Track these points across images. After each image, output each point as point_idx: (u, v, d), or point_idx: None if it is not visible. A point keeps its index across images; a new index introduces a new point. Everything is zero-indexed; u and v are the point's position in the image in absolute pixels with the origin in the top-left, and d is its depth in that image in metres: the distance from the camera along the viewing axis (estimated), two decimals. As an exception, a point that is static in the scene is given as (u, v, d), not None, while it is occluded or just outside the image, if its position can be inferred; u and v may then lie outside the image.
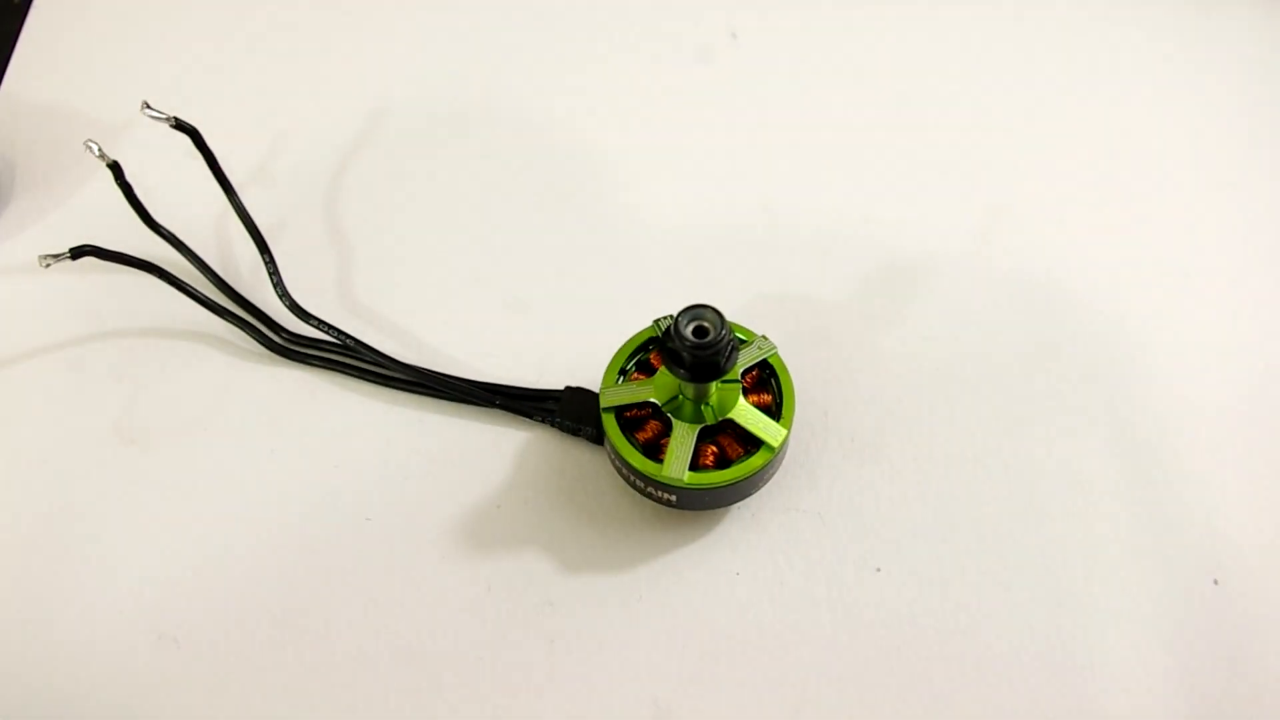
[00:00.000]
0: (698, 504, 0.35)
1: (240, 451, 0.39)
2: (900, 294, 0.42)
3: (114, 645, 0.34)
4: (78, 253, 0.38)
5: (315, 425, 0.39)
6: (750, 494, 0.35)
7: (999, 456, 0.38)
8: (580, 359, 0.40)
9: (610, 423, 0.35)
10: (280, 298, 0.41)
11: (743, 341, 0.36)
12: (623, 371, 0.36)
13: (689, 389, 0.34)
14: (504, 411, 0.39)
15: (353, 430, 0.39)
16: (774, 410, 0.35)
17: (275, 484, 0.38)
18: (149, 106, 0.38)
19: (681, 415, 0.34)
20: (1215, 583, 0.34)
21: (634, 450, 0.34)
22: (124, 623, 0.35)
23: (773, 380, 0.36)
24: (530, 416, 0.38)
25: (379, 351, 0.40)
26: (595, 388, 0.38)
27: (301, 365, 0.41)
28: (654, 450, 0.35)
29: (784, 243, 0.44)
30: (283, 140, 0.48)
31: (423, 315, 0.42)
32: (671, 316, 0.35)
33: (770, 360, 0.36)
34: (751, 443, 0.34)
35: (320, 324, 0.40)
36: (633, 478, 0.35)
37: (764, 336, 0.36)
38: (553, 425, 0.38)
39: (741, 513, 0.37)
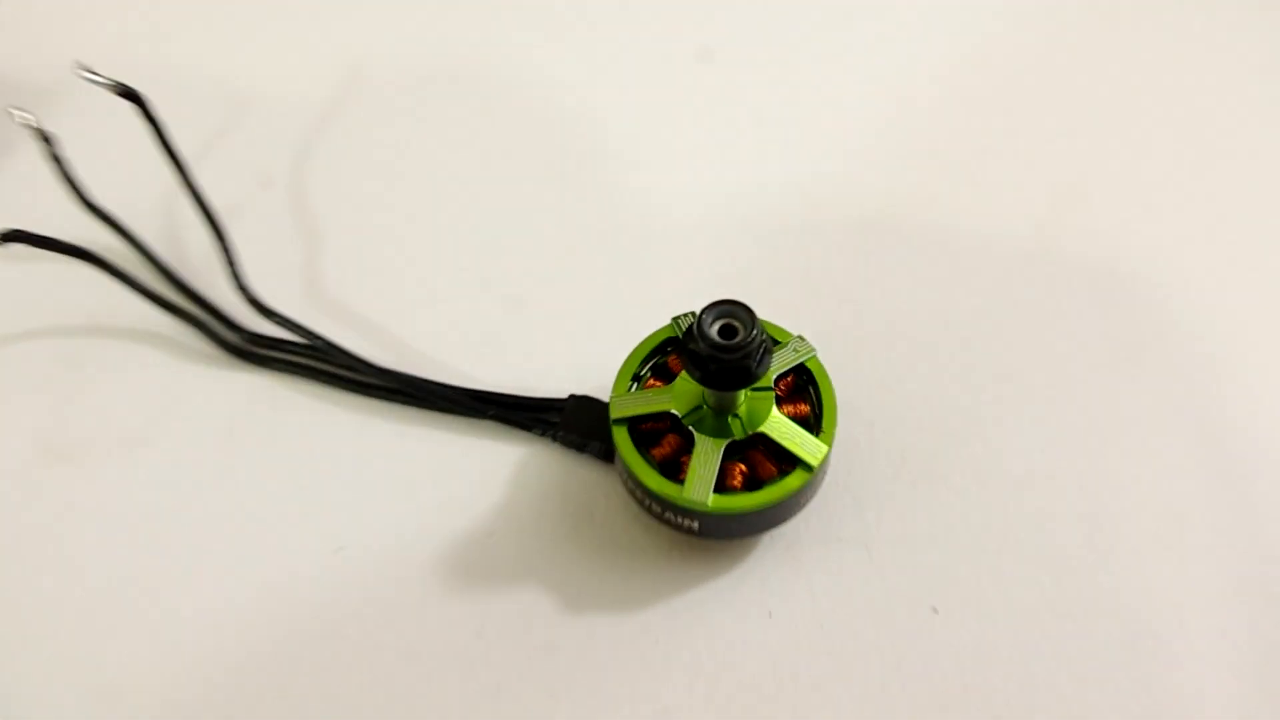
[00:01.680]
0: (724, 532, 0.34)
1: (190, 470, 0.39)
2: (958, 288, 0.42)
3: (42, 708, 0.34)
4: (3, 238, 0.38)
5: (277, 439, 0.39)
6: (785, 520, 0.35)
7: (1074, 478, 0.38)
8: (587, 363, 0.40)
9: (622, 437, 0.35)
10: (238, 291, 0.41)
11: (776, 343, 0.36)
12: (636, 378, 0.36)
13: (713, 398, 0.34)
14: (498, 424, 0.39)
15: (321, 446, 0.39)
16: (813, 423, 0.35)
17: (230, 508, 0.38)
18: (86, 69, 0.38)
19: (705, 428, 0.34)
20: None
21: (649, 469, 0.34)
22: (54, 680, 0.34)
23: (811, 388, 0.36)
24: (528, 430, 0.38)
25: (353, 354, 0.40)
26: (604, 396, 0.38)
27: (262, 369, 0.41)
28: (673, 469, 0.34)
29: (824, 230, 0.44)
30: (242, 109, 0.48)
31: (404, 313, 0.42)
32: (693, 314, 0.35)
33: (808, 365, 0.36)
34: (786, 460, 0.34)
35: (285, 321, 0.41)
36: (648, 501, 0.34)
37: (800, 337, 0.36)
38: (555, 440, 0.38)
39: (774, 543, 0.37)
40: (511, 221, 0.45)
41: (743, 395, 0.34)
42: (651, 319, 0.38)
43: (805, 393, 0.36)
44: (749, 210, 0.45)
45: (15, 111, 0.36)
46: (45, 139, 0.37)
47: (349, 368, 0.40)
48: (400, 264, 0.44)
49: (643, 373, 0.36)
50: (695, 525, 0.34)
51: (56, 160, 0.38)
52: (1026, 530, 0.37)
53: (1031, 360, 0.41)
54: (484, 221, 0.45)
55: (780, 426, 0.34)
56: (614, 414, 0.35)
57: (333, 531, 0.37)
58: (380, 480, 0.38)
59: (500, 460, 0.38)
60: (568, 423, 0.38)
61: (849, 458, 0.38)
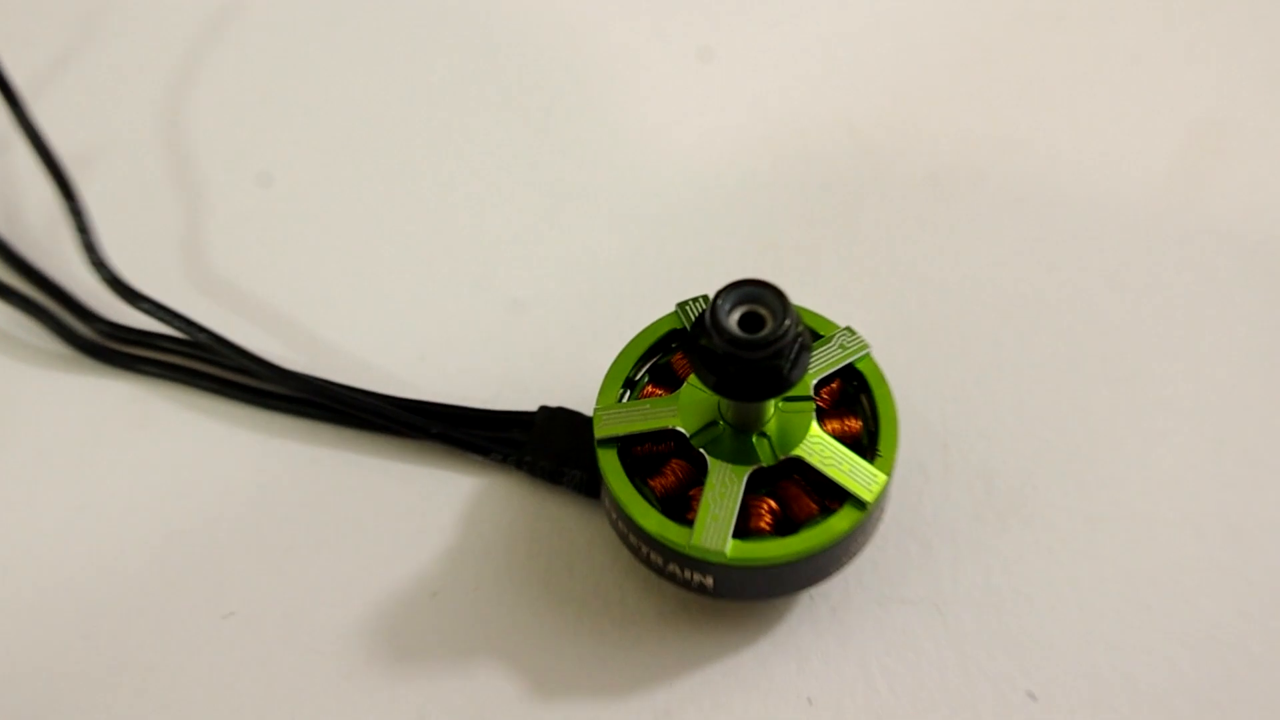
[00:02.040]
0: (747, 591, 0.35)
1: (29, 500, 0.39)
2: (1060, 261, 0.43)
3: None
4: None
5: (146, 465, 0.39)
6: (829, 575, 0.35)
7: (1223, 520, 0.38)
8: (563, 365, 0.40)
9: (610, 463, 0.35)
10: (93, 269, 0.41)
11: (817, 336, 0.36)
12: (629, 384, 0.36)
13: (733, 411, 0.34)
14: (444, 446, 0.39)
15: (205, 473, 0.39)
16: (865, 444, 0.35)
17: (81, 553, 0.38)
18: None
19: (721, 452, 0.34)
20: None
21: (647, 506, 0.34)
22: None
23: (863, 397, 0.36)
24: (485, 454, 0.39)
25: (249, 352, 0.40)
26: (585, 409, 0.38)
27: (127, 372, 0.41)
28: (679, 506, 0.35)
29: (878, 185, 0.44)
30: (96, 24, 0.48)
31: (320, 299, 0.43)
32: (706, 299, 0.36)
33: (860, 366, 0.36)
34: (831, 494, 0.34)
35: (157, 309, 0.40)
36: (645, 549, 0.35)
37: (849, 329, 0.36)
38: (520, 467, 0.38)
39: (815, 606, 0.37)
40: (463, 176, 0.45)
41: (772, 407, 0.34)
42: (649, 305, 0.38)
43: (856, 403, 0.36)
44: (781, 160, 0.45)
45: None
46: None
47: (244, 371, 0.40)
48: (315, 234, 0.44)
49: (638, 377, 0.37)
50: (709, 582, 0.34)
51: None
52: (1157, 590, 0.37)
53: (1163, 357, 0.41)
54: (427, 176, 0.45)
55: (822, 449, 0.34)
56: (599, 432, 0.35)
57: (220, 588, 0.37)
58: (285, 521, 0.38)
59: (447, 495, 0.39)
60: (537, 444, 0.38)
61: (915, 490, 0.38)
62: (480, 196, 0.45)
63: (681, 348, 0.37)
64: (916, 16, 0.49)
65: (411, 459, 0.39)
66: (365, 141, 0.46)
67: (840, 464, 0.34)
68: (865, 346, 0.36)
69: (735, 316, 0.31)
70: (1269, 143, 0.45)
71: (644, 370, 0.37)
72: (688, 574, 0.34)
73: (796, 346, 0.31)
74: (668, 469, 0.35)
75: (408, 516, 0.38)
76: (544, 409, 0.38)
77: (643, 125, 0.47)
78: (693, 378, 0.35)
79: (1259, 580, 0.36)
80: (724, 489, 0.33)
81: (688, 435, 0.34)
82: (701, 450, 0.34)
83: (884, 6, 0.50)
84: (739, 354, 0.31)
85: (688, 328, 0.36)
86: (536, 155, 0.46)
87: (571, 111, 0.47)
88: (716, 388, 0.32)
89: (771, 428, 0.34)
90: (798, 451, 0.34)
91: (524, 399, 0.39)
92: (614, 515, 0.35)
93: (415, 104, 0.47)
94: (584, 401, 0.38)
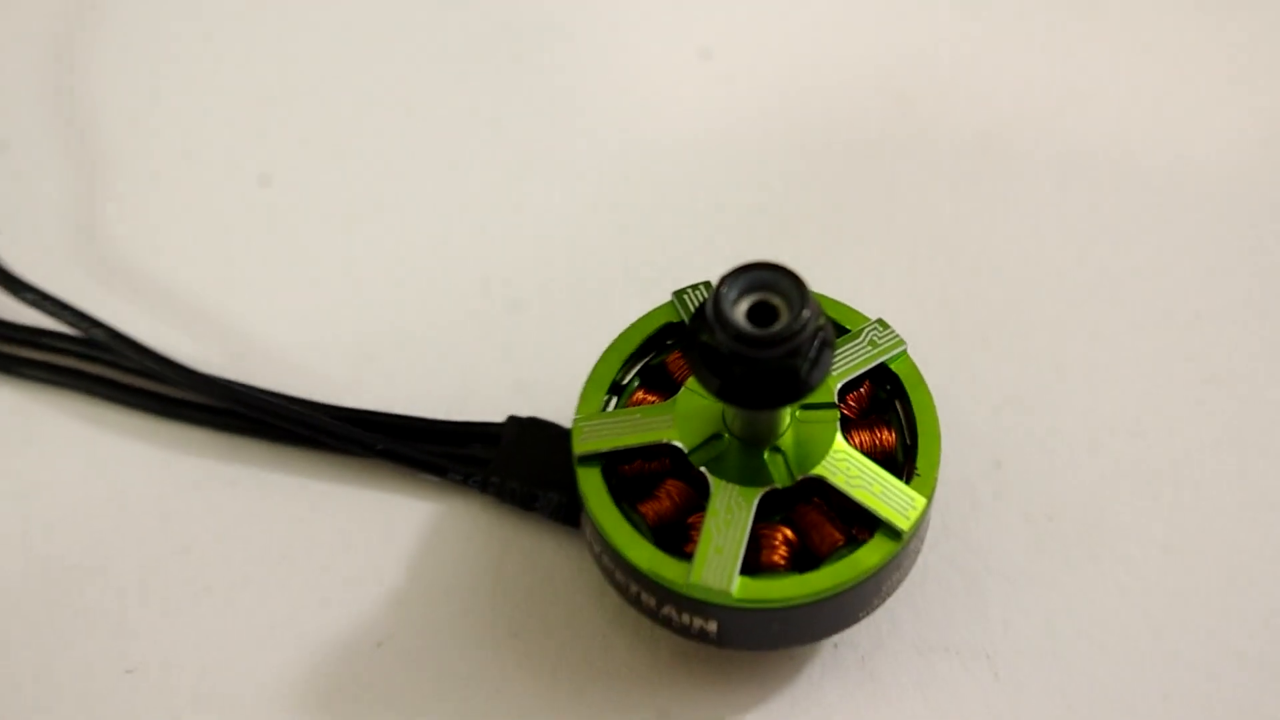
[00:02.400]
0: (758, 638, 0.35)
1: None
2: (1138, 238, 0.43)
3: None
4: None
5: (30, 488, 0.39)
6: (857, 620, 0.35)
7: None
8: (536, 366, 0.41)
9: (593, 484, 0.35)
10: None
11: (841, 332, 0.36)
12: (615, 389, 0.37)
13: (741, 421, 0.34)
14: (392, 464, 0.39)
15: (101, 498, 0.39)
16: (901, 460, 0.35)
17: None
18: None
19: (726, 470, 0.34)
20: None
21: (637, 537, 0.34)
22: None
23: (898, 404, 0.36)
24: (441, 474, 0.39)
25: (154, 352, 0.40)
26: (563, 419, 0.38)
27: (6, 377, 0.41)
28: (675, 537, 0.35)
29: (917, 146, 0.44)
30: None
31: (238, 286, 0.43)
32: (708, 286, 0.36)
33: (894, 367, 0.36)
34: (859, 522, 0.34)
35: (43, 300, 0.40)
36: (635, 589, 0.35)
37: (880, 323, 0.37)
38: (484, 490, 0.38)
39: (841, 656, 0.37)
40: (412, 136, 0.46)
41: (787, 417, 0.34)
42: (638, 294, 0.38)
43: (889, 412, 0.36)
44: (797, 116, 0.45)
45: None
46: None
47: (148, 374, 0.40)
48: (233, 211, 0.44)
49: (626, 381, 0.37)
50: (712, 628, 0.34)
51: None
52: (1252, 637, 0.37)
53: (1270, 358, 0.41)
54: (368, 136, 0.46)
55: (848, 467, 0.34)
56: (579, 447, 0.35)
57: (116, 638, 0.37)
58: (198, 556, 0.38)
59: (395, 524, 0.39)
60: (505, 462, 0.38)
61: (961, 517, 0.38)
62: (432, 159, 0.46)
63: (678, 345, 0.37)
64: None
65: (352, 480, 0.39)
66: (294, 94, 0.47)
67: (870, 485, 0.34)
68: (900, 343, 0.36)
69: (743, 307, 0.31)
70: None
71: (633, 373, 0.37)
72: (686, 618, 0.34)
73: (817, 343, 0.31)
74: (662, 492, 0.35)
75: (347, 550, 0.38)
76: (513, 420, 0.39)
77: (629, 72, 0.47)
78: (692, 381, 0.35)
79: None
80: (730, 515, 0.33)
81: (686, 451, 0.34)
82: (702, 469, 0.34)
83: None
84: (748, 352, 0.31)
85: (686, 321, 0.36)
86: (503, 110, 0.46)
87: (544, 56, 0.48)
88: (721, 393, 0.31)
89: (787, 441, 0.34)
90: (818, 470, 0.34)
91: (489, 408, 0.39)
92: (597, 548, 0.35)
93: (347, 52, 0.48)
94: (561, 411, 0.38)
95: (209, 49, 0.48)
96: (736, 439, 0.34)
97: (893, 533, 0.34)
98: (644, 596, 0.34)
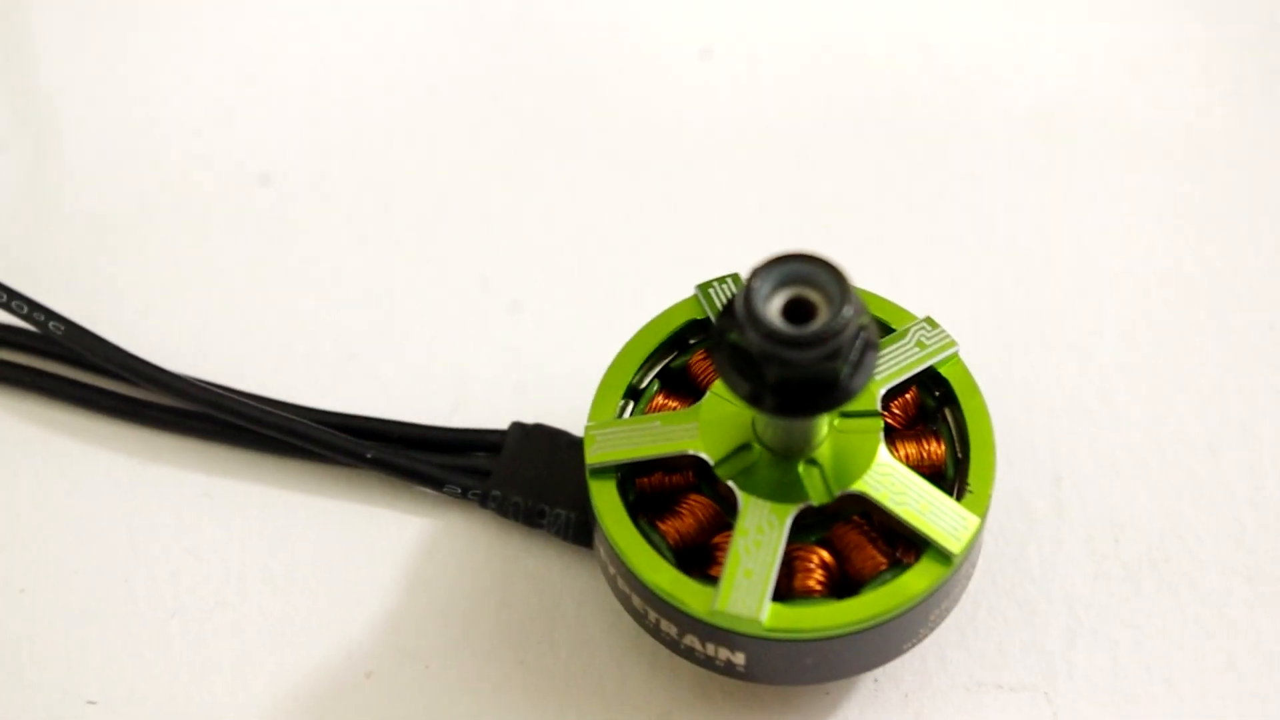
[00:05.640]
0: (791, 672, 0.34)
1: None
2: (1214, 225, 0.43)
3: None
4: None
5: None
6: (901, 652, 0.35)
7: None
8: (544, 367, 0.41)
9: (606, 499, 0.34)
10: None
11: (886, 331, 0.36)
12: (633, 393, 0.36)
13: (773, 431, 0.34)
14: (383, 474, 0.39)
15: (61, 511, 0.39)
16: (950, 475, 0.35)
17: None
18: None
19: (756, 485, 0.34)
20: None
21: (657, 558, 0.34)
22: None
23: (949, 412, 0.36)
24: (439, 486, 0.39)
25: (121, 350, 0.39)
26: (574, 427, 0.38)
27: None
28: (699, 559, 0.34)
29: (968, 123, 0.45)
30: None
31: (211, 277, 0.43)
32: (737, 279, 0.36)
33: (943, 371, 0.36)
34: (904, 543, 0.34)
35: None
36: (654, 616, 0.34)
37: (928, 321, 0.36)
38: (486, 505, 0.38)
39: (883, 692, 0.37)
40: (414, 113, 0.46)
41: (825, 426, 0.34)
42: (661, 287, 0.38)
43: (938, 421, 0.36)
44: (834, 90, 0.46)
45: None
46: None
47: (113, 375, 0.40)
48: (207, 191, 0.44)
49: (645, 384, 0.37)
50: (740, 660, 0.34)
51: None
52: None
53: None
54: (357, 104, 0.46)
55: (892, 482, 0.34)
56: (592, 458, 0.35)
57: (76, 668, 0.37)
58: (166, 576, 0.38)
59: (388, 541, 0.39)
60: (508, 473, 0.38)
61: (1018, 539, 0.38)
62: (432, 137, 0.45)
63: (703, 345, 0.36)
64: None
65: (340, 493, 0.39)
66: (279, 70, 0.47)
67: (917, 502, 0.33)
68: (951, 344, 0.36)
69: (777, 303, 0.31)
70: None
71: (652, 375, 0.36)
72: (711, 649, 0.34)
73: (859, 344, 0.31)
74: (684, 508, 0.34)
75: (335, 570, 0.38)
76: (518, 426, 0.38)
77: (649, 42, 0.47)
78: (718, 385, 0.35)
79: None
80: (760, 535, 0.33)
81: (712, 463, 0.34)
82: (730, 483, 0.34)
83: None
84: (782, 354, 0.30)
85: (712, 318, 0.36)
86: (504, 79, 0.46)
87: (550, 18, 0.48)
88: (751, 399, 0.31)
89: (824, 453, 0.34)
90: (859, 485, 0.34)
91: (491, 413, 0.39)
92: (612, 570, 0.35)
93: (339, 45, 0.48)
94: (571, 417, 0.38)
95: (175, 27, 0.48)
96: (768, 450, 0.34)
97: (942, 556, 0.33)
98: (663, 625, 0.34)
